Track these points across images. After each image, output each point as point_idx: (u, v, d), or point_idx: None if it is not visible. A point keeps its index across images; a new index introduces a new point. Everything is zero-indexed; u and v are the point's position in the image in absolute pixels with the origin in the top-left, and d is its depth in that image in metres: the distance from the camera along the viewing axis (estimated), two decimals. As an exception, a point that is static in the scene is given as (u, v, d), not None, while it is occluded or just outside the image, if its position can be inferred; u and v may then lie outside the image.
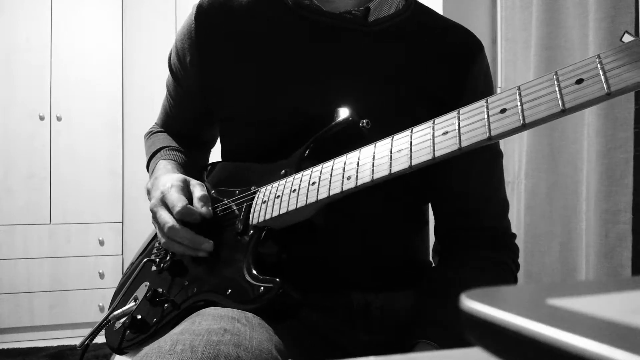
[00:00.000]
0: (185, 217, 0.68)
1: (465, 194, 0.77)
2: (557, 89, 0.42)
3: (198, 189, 0.72)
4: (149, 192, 0.77)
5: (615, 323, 0.15)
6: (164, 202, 0.70)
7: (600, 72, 0.40)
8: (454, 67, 0.76)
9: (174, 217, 0.68)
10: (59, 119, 2.69)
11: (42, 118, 2.66)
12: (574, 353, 0.13)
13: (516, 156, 1.60)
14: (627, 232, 1.19)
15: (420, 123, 0.53)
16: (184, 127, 0.92)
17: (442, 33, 0.80)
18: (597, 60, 0.41)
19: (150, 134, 0.97)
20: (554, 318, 0.15)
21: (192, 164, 0.86)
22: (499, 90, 1.74)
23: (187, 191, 0.72)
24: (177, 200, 0.68)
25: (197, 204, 0.69)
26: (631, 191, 1.20)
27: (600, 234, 1.24)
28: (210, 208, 0.70)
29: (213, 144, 0.99)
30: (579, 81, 0.41)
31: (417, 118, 0.56)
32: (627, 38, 0.43)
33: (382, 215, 0.74)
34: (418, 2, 0.82)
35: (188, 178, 0.74)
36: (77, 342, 0.76)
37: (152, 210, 0.71)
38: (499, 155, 0.79)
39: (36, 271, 2.62)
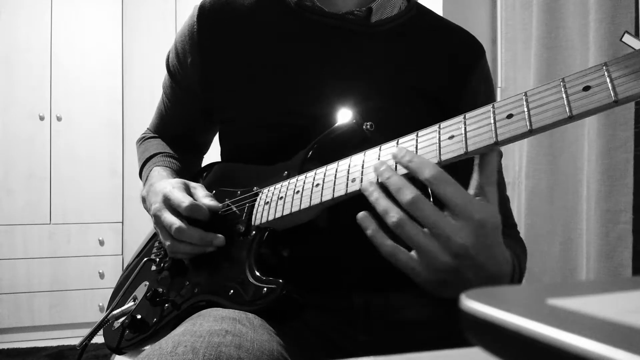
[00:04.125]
0: (193, 213, 0.67)
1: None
2: (564, 95, 0.42)
3: (200, 190, 0.72)
4: (144, 200, 0.76)
5: (615, 323, 0.15)
6: (168, 204, 0.69)
7: (608, 80, 0.40)
8: (455, 70, 0.76)
9: (180, 218, 0.68)
10: (59, 119, 2.69)
11: (42, 118, 2.66)
12: (574, 353, 0.13)
13: (517, 156, 1.59)
14: (628, 232, 1.19)
15: (421, 125, 0.53)
16: (179, 129, 0.92)
17: (444, 35, 0.80)
18: (604, 68, 0.41)
19: (142, 139, 0.96)
20: (554, 318, 0.15)
21: (185, 170, 0.86)
22: (498, 91, 1.74)
23: (188, 193, 0.71)
24: (183, 198, 0.68)
25: (203, 200, 0.69)
26: (631, 191, 1.20)
27: (600, 234, 1.24)
28: (217, 202, 0.70)
29: (207, 149, 0.98)
30: (586, 88, 0.42)
31: (418, 120, 0.56)
32: (627, 38, 0.43)
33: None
34: (420, 3, 0.82)
35: (187, 181, 0.74)
36: (77, 342, 0.76)
37: (155, 215, 0.70)
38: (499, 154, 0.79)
39: (36, 271, 2.62)
